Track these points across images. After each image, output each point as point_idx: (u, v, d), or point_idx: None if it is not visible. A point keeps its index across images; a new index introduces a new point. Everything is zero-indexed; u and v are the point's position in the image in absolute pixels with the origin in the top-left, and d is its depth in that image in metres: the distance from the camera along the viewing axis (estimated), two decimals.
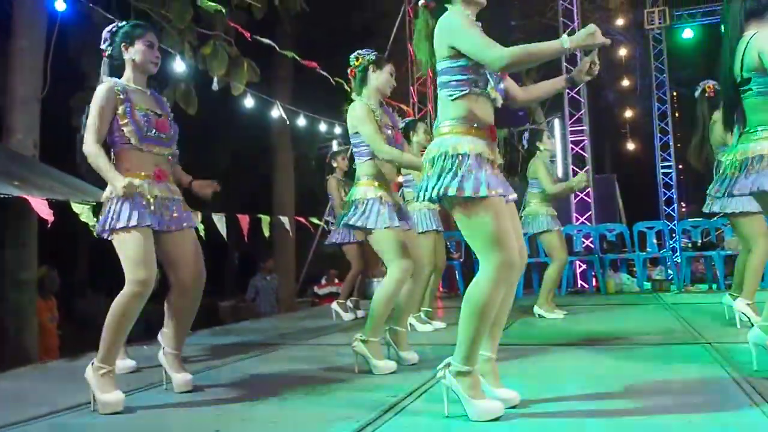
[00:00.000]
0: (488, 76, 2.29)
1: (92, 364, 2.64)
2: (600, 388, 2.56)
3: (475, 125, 2.26)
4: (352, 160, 3.67)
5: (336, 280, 10.11)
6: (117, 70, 2.87)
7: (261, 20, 8.31)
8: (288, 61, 9.47)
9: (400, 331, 3.37)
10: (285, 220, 7.25)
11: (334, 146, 9.90)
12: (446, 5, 2.34)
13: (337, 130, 9.48)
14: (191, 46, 7.33)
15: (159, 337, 3.60)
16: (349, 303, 5.78)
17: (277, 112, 8.23)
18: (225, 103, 8.56)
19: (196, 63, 7.25)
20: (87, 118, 2.75)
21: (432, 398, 2.55)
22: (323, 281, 10.58)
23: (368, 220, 3.19)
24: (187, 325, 2.95)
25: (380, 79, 3.35)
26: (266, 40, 6.52)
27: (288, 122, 8.44)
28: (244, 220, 5.78)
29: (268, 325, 5.80)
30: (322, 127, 9.37)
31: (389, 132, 3.29)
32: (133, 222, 2.63)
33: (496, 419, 2.15)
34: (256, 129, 11.39)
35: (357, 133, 3.28)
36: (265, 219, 6.37)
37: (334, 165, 5.88)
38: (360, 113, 3.25)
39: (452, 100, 2.27)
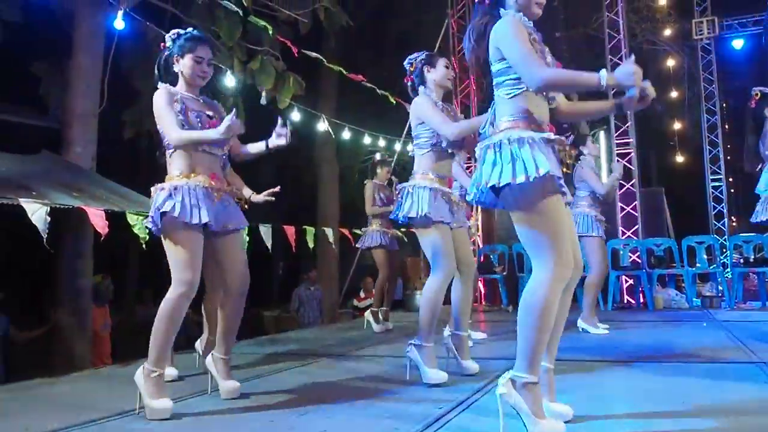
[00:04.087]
0: None
1: (143, 367, 2.69)
2: (650, 407, 2.52)
3: (534, 122, 2.23)
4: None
5: (373, 290, 10.13)
6: (170, 73, 2.95)
7: (306, 35, 8.47)
8: (332, 75, 9.60)
9: (462, 336, 3.36)
10: (329, 231, 7.34)
11: (378, 156, 9.96)
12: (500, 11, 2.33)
13: (381, 142, 9.56)
14: (240, 61, 7.53)
15: (197, 344, 3.69)
16: (379, 313, 5.81)
17: (322, 125, 8.36)
18: (271, 116, 8.74)
19: (245, 77, 7.43)
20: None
21: (479, 412, 2.56)
22: (361, 294, 10.62)
23: (419, 208, 3.16)
24: (235, 329, 2.97)
25: (438, 74, 3.37)
26: (314, 54, 6.64)
27: (333, 135, 8.56)
28: (290, 231, 5.89)
29: (312, 335, 5.86)
30: (366, 139, 9.46)
31: None
32: (186, 218, 2.67)
33: None
34: (301, 141, 11.55)
35: (421, 124, 3.28)
36: (310, 230, 6.46)
37: (378, 171, 5.94)
38: (423, 103, 3.26)
39: (509, 98, 2.26)
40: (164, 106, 2.78)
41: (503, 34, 2.23)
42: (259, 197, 3.28)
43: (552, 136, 2.23)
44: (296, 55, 6.66)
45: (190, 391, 3.13)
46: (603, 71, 2.08)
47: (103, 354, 6.36)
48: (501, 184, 2.15)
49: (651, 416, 2.40)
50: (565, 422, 2.25)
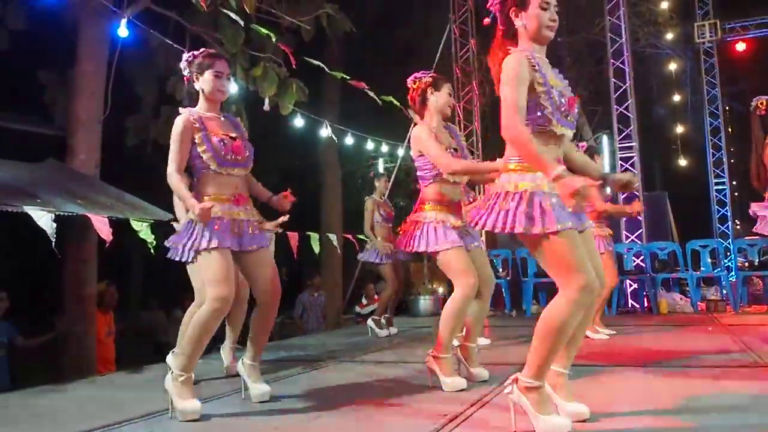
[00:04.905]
0: (551, 114, 2.27)
1: (171, 372, 2.79)
2: (656, 410, 2.52)
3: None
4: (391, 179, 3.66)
5: (375, 296, 10.14)
6: (195, 96, 3.04)
7: (309, 42, 8.50)
8: (335, 81, 9.63)
9: (470, 347, 3.38)
10: (333, 237, 7.35)
11: (380, 165, 10.01)
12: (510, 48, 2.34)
13: (384, 148, 9.58)
14: (242, 68, 7.55)
15: (221, 352, 3.78)
16: (382, 320, 5.82)
17: (324, 131, 8.38)
18: (274, 122, 8.77)
19: (247, 84, 7.45)
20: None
21: (480, 420, 2.56)
22: (363, 300, 10.62)
23: (429, 242, 3.23)
24: (264, 337, 3.09)
25: (440, 100, 3.40)
26: (316, 62, 6.66)
27: (336, 140, 8.58)
28: (293, 237, 5.89)
29: (316, 341, 5.87)
30: (369, 145, 9.48)
31: (450, 153, 3.32)
32: (214, 244, 2.77)
33: None
34: (304, 148, 11.59)
35: (421, 155, 3.32)
36: (314, 236, 6.48)
37: (376, 185, 6.00)
38: (421, 135, 3.28)
39: None
40: (176, 138, 2.87)
41: (505, 75, 2.25)
42: (269, 226, 3.29)
43: (554, 188, 2.22)
44: (294, 65, 6.69)
45: (211, 394, 3.21)
46: (560, 168, 2.10)
47: (107, 360, 6.36)
48: (516, 232, 2.22)
49: (657, 420, 2.40)
50: (587, 419, 2.31)
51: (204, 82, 2.97)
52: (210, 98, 3.00)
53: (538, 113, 2.27)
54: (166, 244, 2.98)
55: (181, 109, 2.98)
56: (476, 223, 2.33)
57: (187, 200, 2.81)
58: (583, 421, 2.30)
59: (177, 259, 2.93)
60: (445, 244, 3.20)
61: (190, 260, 2.85)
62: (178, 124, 2.89)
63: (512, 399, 2.26)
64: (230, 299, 2.79)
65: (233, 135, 2.99)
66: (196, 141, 2.88)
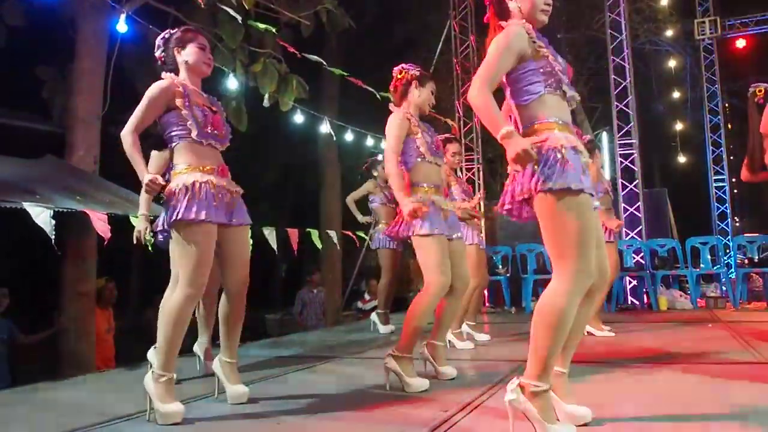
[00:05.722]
0: (560, 76, 2.27)
1: (152, 372, 2.64)
2: (657, 408, 2.51)
3: (559, 121, 2.23)
4: None
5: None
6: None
7: (308, 38, 8.47)
8: (335, 77, 9.61)
9: (438, 345, 3.33)
10: (333, 233, 7.34)
11: (380, 157, 9.98)
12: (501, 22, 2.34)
13: (383, 144, 9.55)
14: (242, 64, 7.52)
15: (195, 348, 3.62)
16: (386, 313, 5.82)
17: (324, 127, 8.36)
18: (274, 119, 8.75)
19: (247, 80, 7.43)
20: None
21: (484, 414, 2.55)
22: (366, 296, 10.62)
23: (409, 226, 3.16)
24: (238, 330, 2.91)
25: (422, 96, 3.36)
26: (315, 57, 6.64)
27: (335, 137, 8.56)
28: (293, 233, 5.88)
29: (315, 338, 5.86)
30: (369, 141, 9.46)
31: (427, 137, 3.29)
32: (201, 216, 2.61)
33: None
34: (303, 144, 11.57)
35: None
36: (314, 232, 6.47)
37: (375, 174, 6.00)
38: (392, 123, 3.24)
39: (526, 104, 2.26)
40: (149, 97, 2.72)
41: (493, 45, 2.24)
42: None
43: (579, 145, 2.24)
44: (299, 55, 6.65)
45: (192, 394, 3.09)
46: (510, 128, 2.08)
47: (106, 357, 6.35)
48: (537, 191, 2.14)
49: (658, 418, 2.38)
50: (588, 423, 2.24)
51: (187, 54, 2.86)
52: (195, 69, 2.88)
53: (549, 76, 2.25)
54: (154, 228, 2.83)
55: (164, 74, 2.86)
56: (505, 212, 2.28)
57: (138, 165, 2.64)
58: (585, 424, 2.23)
59: (162, 238, 2.79)
60: (423, 228, 3.12)
61: (169, 232, 2.67)
62: (158, 85, 2.74)
63: (514, 405, 2.10)
64: (204, 285, 2.63)
65: (214, 109, 2.90)
66: (178, 105, 2.74)
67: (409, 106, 3.35)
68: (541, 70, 2.25)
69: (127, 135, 2.68)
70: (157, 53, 2.93)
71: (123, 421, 2.68)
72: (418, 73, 3.38)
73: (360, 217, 6.03)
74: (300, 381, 3.53)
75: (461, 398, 2.80)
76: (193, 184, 2.68)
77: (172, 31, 2.94)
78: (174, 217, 2.62)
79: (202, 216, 2.62)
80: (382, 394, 3.07)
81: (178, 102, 2.75)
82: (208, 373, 3.37)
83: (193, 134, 2.74)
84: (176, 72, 2.89)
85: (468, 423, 2.45)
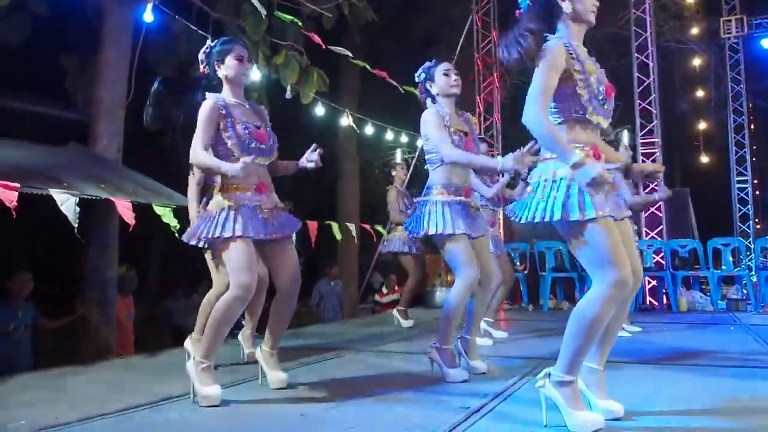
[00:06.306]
0: (587, 102, 2.26)
1: (193, 358, 2.82)
2: (687, 410, 2.49)
3: (584, 148, 2.25)
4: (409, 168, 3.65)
5: (396, 287, 10.15)
6: (215, 89, 3.04)
7: (330, 30, 8.47)
8: (355, 71, 9.61)
9: (470, 340, 3.39)
10: (351, 226, 7.35)
11: (397, 155, 9.99)
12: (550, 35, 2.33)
13: (404, 138, 9.55)
14: (264, 55, 7.54)
15: (239, 337, 3.82)
16: (408, 311, 5.82)
17: (344, 120, 8.36)
18: (294, 111, 8.76)
19: (269, 72, 7.45)
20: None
21: (509, 406, 2.57)
22: (384, 290, 10.63)
23: (436, 225, 3.20)
24: (283, 326, 3.11)
25: (438, 85, 3.40)
26: (341, 49, 6.63)
27: (357, 130, 8.56)
28: (312, 226, 5.89)
29: (333, 330, 5.88)
30: (389, 135, 9.45)
31: (456, 137, 3.31)
32: (239, 232, 2.78)
33: (597, 431, 2.15)
34: (323, 137, 11.57)
35: (428, 140, 3.32)
36: (335, 225, 6.49)
37: (393, 174, 6.00)
38: (428, 119, 3.29)
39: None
40: (203, 120, 2.87)
41: (541, 62, 2.22)
42: (306, 162, 3.19)
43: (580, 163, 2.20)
44: (324, 46, 6.64)
45: (232, 380, 3.23)
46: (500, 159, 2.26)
47: (126, 344, 6.42)
48: (554, 220, 2.20)
49: (690, 420, 2.36)
50: (621, 417, 2.29)
51: (227, 68, 3.00)
52: (234, 82, 3.02)
53: (575, 101, 2.25)
54: (187, 232, 3.00)
55: (207, 94, 2.98)
56: (518, 218, 2.32)
57: (222, 166, 2.79)
58: (617, 419, 2.27)
59: (198, 244, 2.95)
60: (448, 228, 3.18)
61: (215, 247, 2.86)
62: (205, 107, 2.89)
63: (544, 393, 2.24)
64: (253, 287, 2.80)
65: (258, 124, 3.01)
66: (221, 127, 2.89)
67: (439, 100, 3.40)
68: (567, 95, 2.26)
69: (198, 152, 2.84)
70: (201, 68, 3.08)
71: (147, 407, 2.72)
72: (424, 73, 3.45)
73: (402, 235, 5.86)
74: (321, 372, 3.55)
75: (482, 390, 2.83)
76: (230, 204, 2.85)
77: (212, 44, 3.07)
78: (211, 235, 2.80)
79: (239, 232, 2.78)
80: (403, 385, 3.09)
81: (222, 124, 2.89)
82: (250, 361, 3.64)
83: (236, 154, 2.88)
84: (220, 85, 3.04)
85: (495, 414, 2.49)
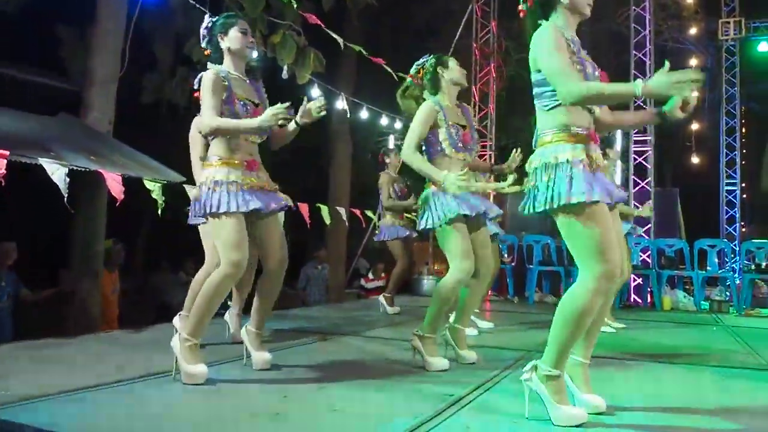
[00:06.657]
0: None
1: (179, 335, 2.81)
2: (667, 407, 2.52)
3: (575, 131, 2.25)
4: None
5: (383, 274, 10.18)
6: (216, 63, 3.01)
7: (329, 13, 8.39)
8: (352, 55, 9.52)
9: (459, 329, 3.38)
10: (342, 210, 7.33)
11: (390, 142, 9.95)
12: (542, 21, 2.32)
13: (397, 125, 9.50)
14: (261, 34, 7.46)
15: (226, 317, 3.83)
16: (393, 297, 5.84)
17: (339, 103, 8.30)
18: (289, 92, 8.69)
19: (266, 51, 7.38)
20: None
21: (492, 397, 2.59)
22: (370, 275, 10.64)
23: (435, 218, 3.20)
24: (269, 306, 3.10)
25: (453, 73, 3.40)
26: (335, 36, 6.59)
27: (349, 114, 8.51)
28: (303, 208, 5.87)
29: (320, 314, 5.88)
30: (383, 121, 9.41)
31: (452, 131, 3.29)
32: (231, 208, 2.77)
33: (580, 426, 2.16)
34: (316, 120, 11.49)
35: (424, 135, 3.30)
36: (324, 208, 6.47)
37: (387, 161, 5.98)
38: (419, 112, 3.29)
39: (548, 110, 2.28)
40: (208, 89, 2.84)
41: (540, 45, 2.23)
42: (304, 117, 3.15)
43: (592, 150, 2.25)
44: (323, 26, 6.58)
45: (217, 358, 3.21)
46: (639, 82, 2.09)
47: (110, 318, 6.39)
48: (555, 206, 2.19)
49: (669, 417, 2.39)
50: (603, 412, 2.31)
51: (230, 40, 2.99)
52: (237, 54, 3.01)
53: None
54: (190, 216, 3.03)
55: (209, 65, 2.97)
56: (524, 208, 2.32)
57: (245, 123, 2.81)
58: (600, 413, 2.29)
59: (193, 222, 2.95)
60: (452, 212, 3.15)
61: (203, 221, 2.86)
62: (209, 76, 2.87)
63: (529, 385, 2.25)
64: (244, 264, 2.79)
65: (256, 101, 3.00)
66: (222, 99, 2.87)
67: (446, 91, 3.40)
68: None
69: (208, 123, 2.81)
70: (203, 43, 3.07)
71: (136, 381, 2.71)
72: (435, 59, 3.44)
73: (390, 221, 5.88)
74: (307, 354, 3.56)
75: (468, 379, 2.84)
76: (221, 179, 2.83)
77: (213, 19, 3.06)
78: (205, 210, 2.81)
79: (232, 208, 2.77)
80: (388, 371, 3.11)
81: (223, 96, 2.87)
82: (236, 341, 3.54)
83: None
84: (221, 58, 3.01)
85: (479, 403, 2.50)
